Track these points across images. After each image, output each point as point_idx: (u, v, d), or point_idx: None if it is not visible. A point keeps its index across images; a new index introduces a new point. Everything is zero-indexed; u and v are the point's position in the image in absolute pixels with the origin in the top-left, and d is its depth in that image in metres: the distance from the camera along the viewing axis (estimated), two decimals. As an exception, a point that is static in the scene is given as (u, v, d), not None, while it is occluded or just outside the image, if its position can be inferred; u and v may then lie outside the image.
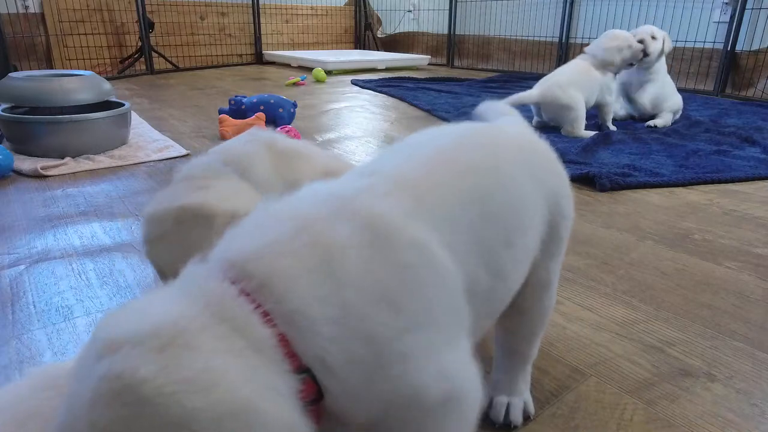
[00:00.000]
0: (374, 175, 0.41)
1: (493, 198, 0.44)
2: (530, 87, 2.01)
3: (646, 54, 2.02)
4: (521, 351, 0.56)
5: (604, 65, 1.96)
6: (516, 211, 0.45)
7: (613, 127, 2.03)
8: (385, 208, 0.37)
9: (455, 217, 0.40)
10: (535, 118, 2.08)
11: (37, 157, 1.50)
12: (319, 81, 3.40)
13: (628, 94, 2.21)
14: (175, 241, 0.62)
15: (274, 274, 0.33)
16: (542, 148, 0.53)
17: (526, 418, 0.57)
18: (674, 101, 2.16)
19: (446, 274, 0.38)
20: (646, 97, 2.14)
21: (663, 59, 2.13)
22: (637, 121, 2.17)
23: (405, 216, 0.37)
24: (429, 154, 0.45)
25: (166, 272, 0.64)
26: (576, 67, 1.97)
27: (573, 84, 1.91)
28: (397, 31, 5.13)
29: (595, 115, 2.04)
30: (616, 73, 2.01)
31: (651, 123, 2.08)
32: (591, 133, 1.89)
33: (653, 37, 2.06)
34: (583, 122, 1.92)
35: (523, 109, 2.07)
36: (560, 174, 0.52)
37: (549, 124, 2.04)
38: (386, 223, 0.36)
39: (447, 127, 0.51)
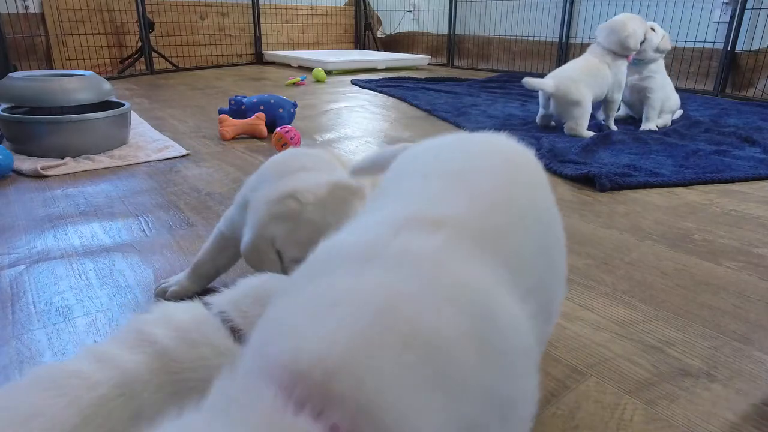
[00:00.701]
0: (441, 227, 0.34)
1: (547, 237, 0.41)
2: (530, 87, 2.00)
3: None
4: None
5: (621, 54, 1.95)
6: (558, 245, 0.43)
7: (614, 127, 2.03)
8: (478, 278, 0.31)
9: (529, 269, 0.37)
10: (541, 111, 2.04)
11: (37, 157, 1.50)
12: (319, 81, 3.40)
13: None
14: (317, 217, 0.66)
15: (373, 395, 0.22)
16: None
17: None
18: (674, 101, 2.16)
19: (533, 351, 0.33)
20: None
21: (661, 61, 2.12)
22: (638, 121, 2.16)
23: (497, 284, 0.32)
24: (476, 188, 0.40)
25: (281, 252, 0.67)
26: (587, 63, 1.96)
27: (583, 81, 1.91)
28: (397, 31, 5.13)
29: (593, 116, 2.04)
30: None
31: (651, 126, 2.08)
32: (591, 134, 1.89)
33: (652, 29, 2.06)
34: (587, 120, 1.91)
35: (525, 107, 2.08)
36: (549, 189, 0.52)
37: (552, 119, 2.02)
38: (485, 302, 0.30)
39: (458, 141, 0.48)
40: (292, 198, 0.67)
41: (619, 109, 2.14)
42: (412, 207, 0.37)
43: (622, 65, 1.97)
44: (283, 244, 0.68)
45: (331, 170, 0.73)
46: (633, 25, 1.95)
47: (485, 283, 0.31)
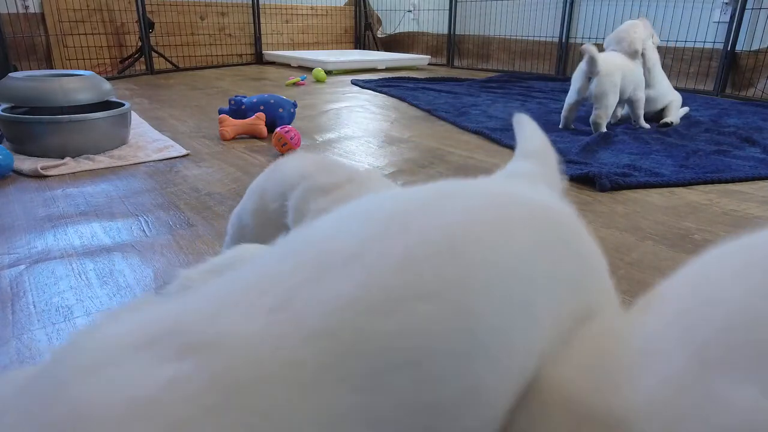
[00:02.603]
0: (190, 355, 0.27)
1: None
2: (530, 87, 2.01)
3: None
4: None
5: (635, 56, 1.96)
6: None
7: (646, 125, 2.03)
8: None
9: None
10: (574, 97, 1.95)
11: (37, 157, 1.50)
12: (319, 81, 3.40)
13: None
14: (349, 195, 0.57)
15: None
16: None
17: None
18: (678, 96, 2.18)
19: None
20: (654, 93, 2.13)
21: (656, 57, 2.14)
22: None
23: None
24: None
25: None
26: (620, 58, 1.96)
27: (620, 73, 1.90)
28: (397, 31, 5.13)
29: (585, 117, 2.03)
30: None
31: (666, 120, 2.08)
32: (605, 130, 1.90)
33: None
34: (611, 113, 1.92)
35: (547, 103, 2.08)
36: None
37: (579, 107, 1.98)
38: None
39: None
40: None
41: (624, 108, 2.15)
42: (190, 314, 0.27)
43: (638, 68, 1.99)
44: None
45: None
46: (637, 28, 1.99)
47: None
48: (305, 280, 0.28)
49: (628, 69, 1.94)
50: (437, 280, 0.28)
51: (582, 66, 1.90)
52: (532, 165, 0.49)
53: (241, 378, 0.23)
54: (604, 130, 1.89)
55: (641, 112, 2.03)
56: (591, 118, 1.92)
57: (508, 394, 0.29)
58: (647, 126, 2.02)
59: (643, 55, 2.03)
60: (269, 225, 0.63)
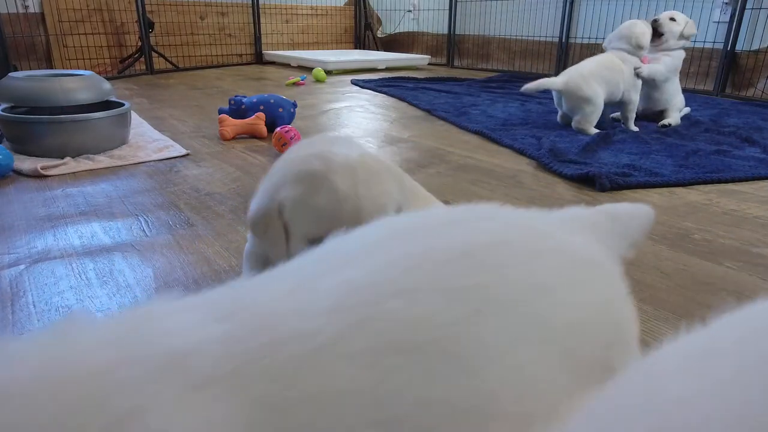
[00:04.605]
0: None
1: None
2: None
3: (659, 33, 2.04)
4: None
5: (632, 57, 1.96)
6: None
7: (634, 128, 2.01)
8: None
9: None
10: (559, 110, 2.05)
11: (37, 157, 1.50)
12: (319, 81, 3.40)
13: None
14: (344, 185, 0.55)
15: None
16: None
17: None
18: (681, 99, 2.18)
19: None
20: (662, 93, 2.13)
21: (682, 53, 2.12)
22: (639, 118, 2.16)
23: None
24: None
25: (289, 224, 0.58)
26: (604, 60, 1.95)
27: (596, 77, 1.89)
28: (397, 31, 5.13)
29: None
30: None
31: (665, 122, 2.08)
32: (596, 131, 1.89)
33: (672, 19, 2.07)
34: (596, 119, 1.91)
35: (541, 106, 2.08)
36: None
37: (570, 118, 2.01)
38: None
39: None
40: (317, 157, 0.57)
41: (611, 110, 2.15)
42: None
43: (636, 64, 1.97)
44: (294, 212, 0.56)
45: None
46: (641, 26, 1.97)
47: None
48: (326, 270, 0.32)
49: (610, 66, 1.93)
50: (452, 277, 0.30)
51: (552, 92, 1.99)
52: (597, 217, 0.48)
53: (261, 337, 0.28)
54: (594, 131, 1.89)
55: (632, 115, 2.02)
56: (572, 125, 1.94)
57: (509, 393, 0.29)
58: (636, 129, 2.01)
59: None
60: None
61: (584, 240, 0.40)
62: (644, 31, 1.96)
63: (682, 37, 2.07)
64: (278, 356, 0.27)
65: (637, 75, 1.97)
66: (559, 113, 2.06)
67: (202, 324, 0.28)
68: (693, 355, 0.22)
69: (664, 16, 2.09)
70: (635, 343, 0.38)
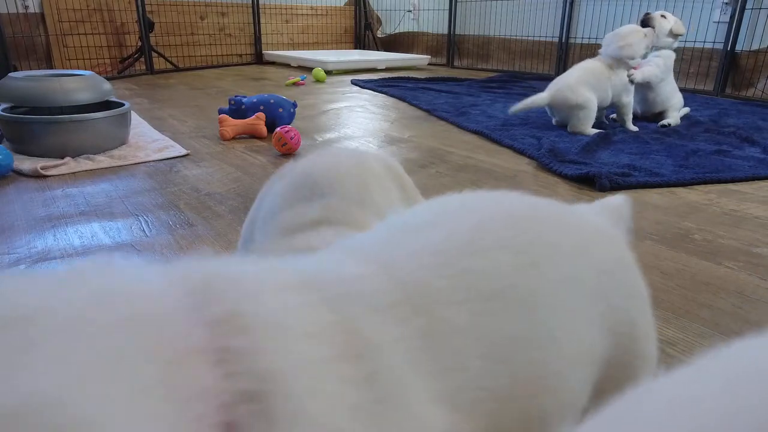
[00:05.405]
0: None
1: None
2: (530, 87, 2.01)
3: (650, 28, 2.05)
4: None
5: (623, 62, 1.95)
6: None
7: (633, 128, 2.01)
8: None
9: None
10: (553, 119, 2.07)
11: (37, 157, 1.50)
12: (319, 81, 3.40)
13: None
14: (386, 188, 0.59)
15: None
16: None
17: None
18: (679, 98, 2.18)
19: None
20: (661, 93, 2.13)
21: (672, 53, 2.14)
22: (639, 119, 2.16)
23: None
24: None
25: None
26: (587, 66, 1.96)
27: (583, 83, 1.90)
28: (397, 31, 5.14)
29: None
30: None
31: (665, 122, 2.08)
32: (595, 131, 1.89)
33: (662, 16, 2.08)
34: (592, 120, 1.91)
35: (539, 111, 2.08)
36: None
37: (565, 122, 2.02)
38: None
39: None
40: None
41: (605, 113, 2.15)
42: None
43: (623, 73, 1.96)
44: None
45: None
46: (634, 37, 1.95)
47: None
48: (407, 235, 0.35)
49: (597, 73, 1.93)
50: (509, 238, 0.35)
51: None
52: (597, 208, 0.58)
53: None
54: (592, 132, 1.89)
55: (629, 117, 2.02)
56: (569, 129, 1.94)
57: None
58: (635, 129, 2.01)
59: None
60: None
61: (598, 219, 0.48)
62: (634, 43, 1.95)
63: (671, 34, 2.09)
64: (425, 294, 0.30)
65: (631, 81, 1.97)
66: (554, 120, 2.08)
67: (349, 264, 0.31)
68: (677, 401, 0.22)
69: (655, 14, 2.12)
70: (648, 301, 0.43)
